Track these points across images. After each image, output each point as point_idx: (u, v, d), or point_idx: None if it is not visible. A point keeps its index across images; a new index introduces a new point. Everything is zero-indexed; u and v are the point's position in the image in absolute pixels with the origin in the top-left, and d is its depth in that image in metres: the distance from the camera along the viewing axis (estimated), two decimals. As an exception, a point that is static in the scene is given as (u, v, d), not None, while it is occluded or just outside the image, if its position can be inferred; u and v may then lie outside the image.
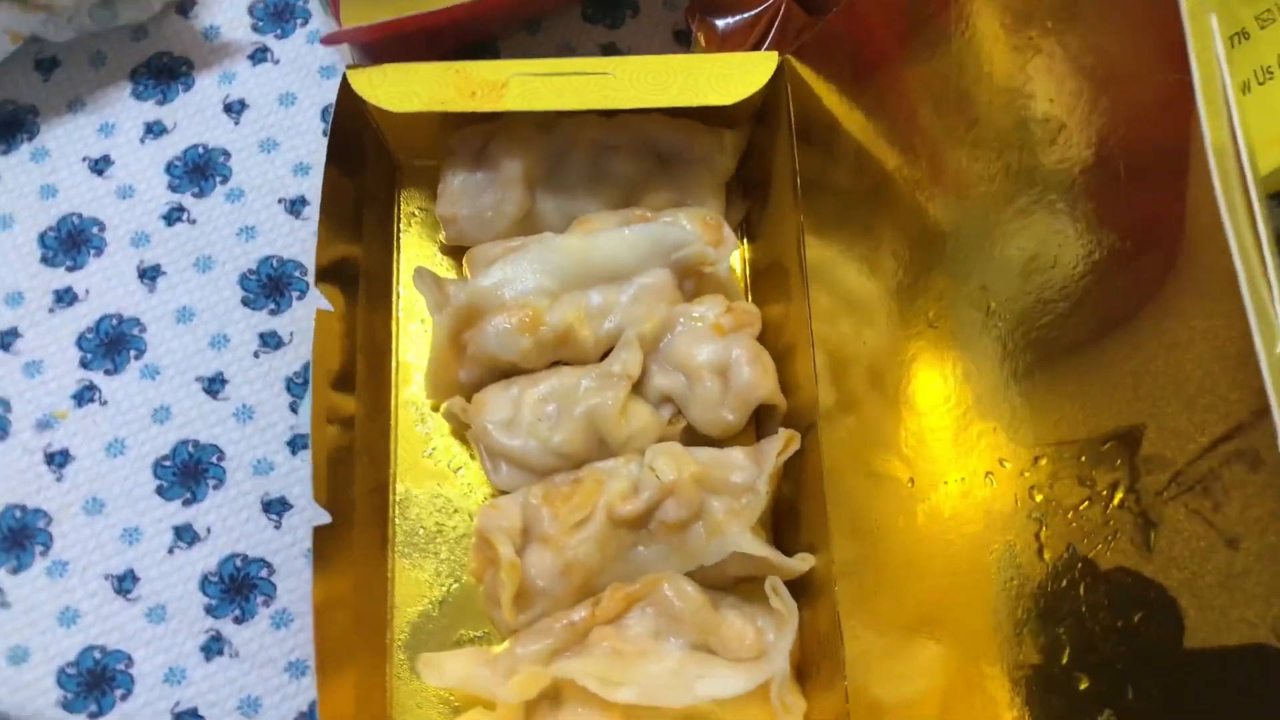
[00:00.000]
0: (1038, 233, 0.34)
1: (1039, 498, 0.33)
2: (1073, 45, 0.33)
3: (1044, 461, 0.33)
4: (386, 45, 0.48)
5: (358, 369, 0.46)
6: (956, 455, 0.37)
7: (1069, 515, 0.32)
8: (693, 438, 0.46)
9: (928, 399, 0.38)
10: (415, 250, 0.52)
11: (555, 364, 0.47)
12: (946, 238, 0.38)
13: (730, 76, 0.46)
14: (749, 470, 0.44)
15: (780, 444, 0.44)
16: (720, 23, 0.52)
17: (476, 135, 0.49)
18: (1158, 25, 0.28)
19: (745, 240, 0.53)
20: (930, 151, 0.39)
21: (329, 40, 0.49)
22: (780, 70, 0.47)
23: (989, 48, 0.36)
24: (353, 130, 0.47)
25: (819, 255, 0.45)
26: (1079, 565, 0.31)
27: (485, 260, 0.48)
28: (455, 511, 0.49)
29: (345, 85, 0.46)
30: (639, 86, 0.46)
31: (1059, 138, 0.33)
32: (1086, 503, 0.31)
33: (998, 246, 0.36)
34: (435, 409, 0.49)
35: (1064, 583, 0.32)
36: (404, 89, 0.46)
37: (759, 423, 0.49)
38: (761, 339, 0.47)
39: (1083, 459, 0.31)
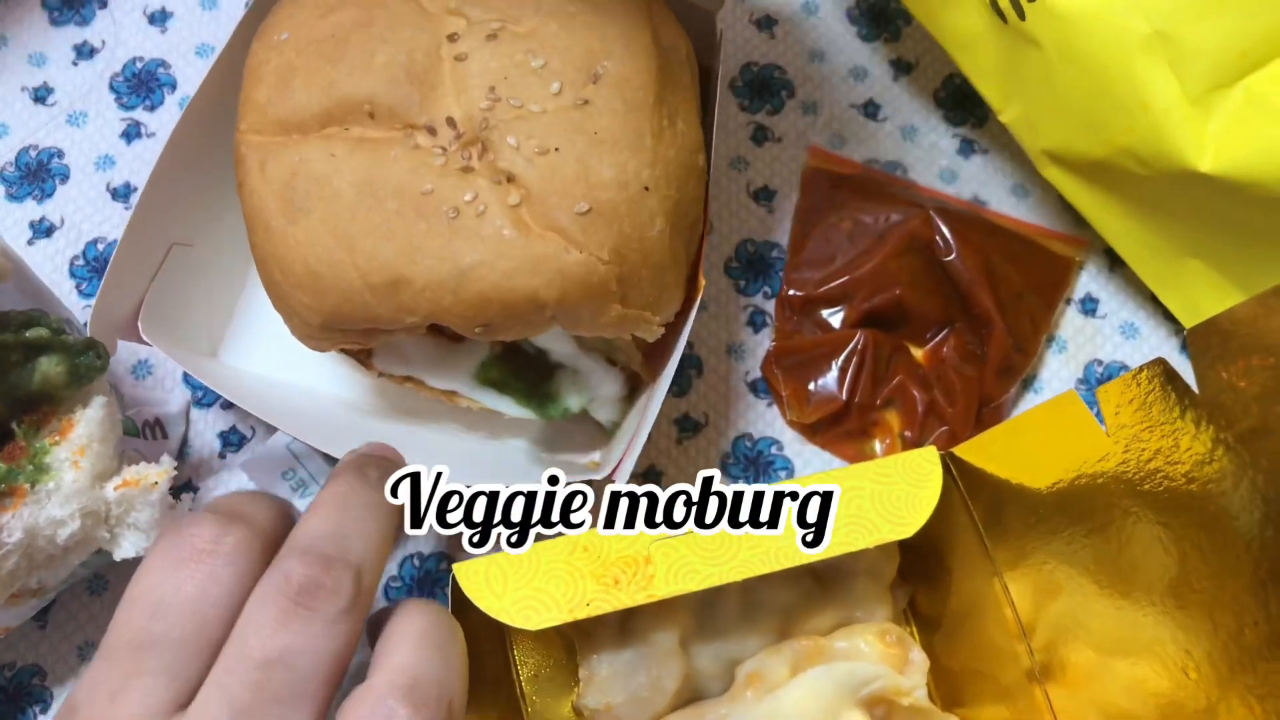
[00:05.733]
0: None
1: None
2: None
3: None
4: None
5: None
6: None
7: None
8: None
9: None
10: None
11: None
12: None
13: (897, 496, 0.40)
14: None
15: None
16: (812, 386, 0.49)
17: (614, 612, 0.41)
18: None
19: (915, 629, 0.46)
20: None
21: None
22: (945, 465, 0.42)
23: None
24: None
25: (1051, 615, 0.40)
26: None
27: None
28: None
29: (455, 585, 0.38)
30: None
31: None
32: None
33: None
34: None
35: None
36: (527, 589, 0.38)
37: None
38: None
39: None
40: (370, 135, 0.40)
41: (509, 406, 0.44)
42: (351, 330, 0.40)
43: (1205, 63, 0.41)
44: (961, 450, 0.42)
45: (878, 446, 0.48)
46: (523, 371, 0.44)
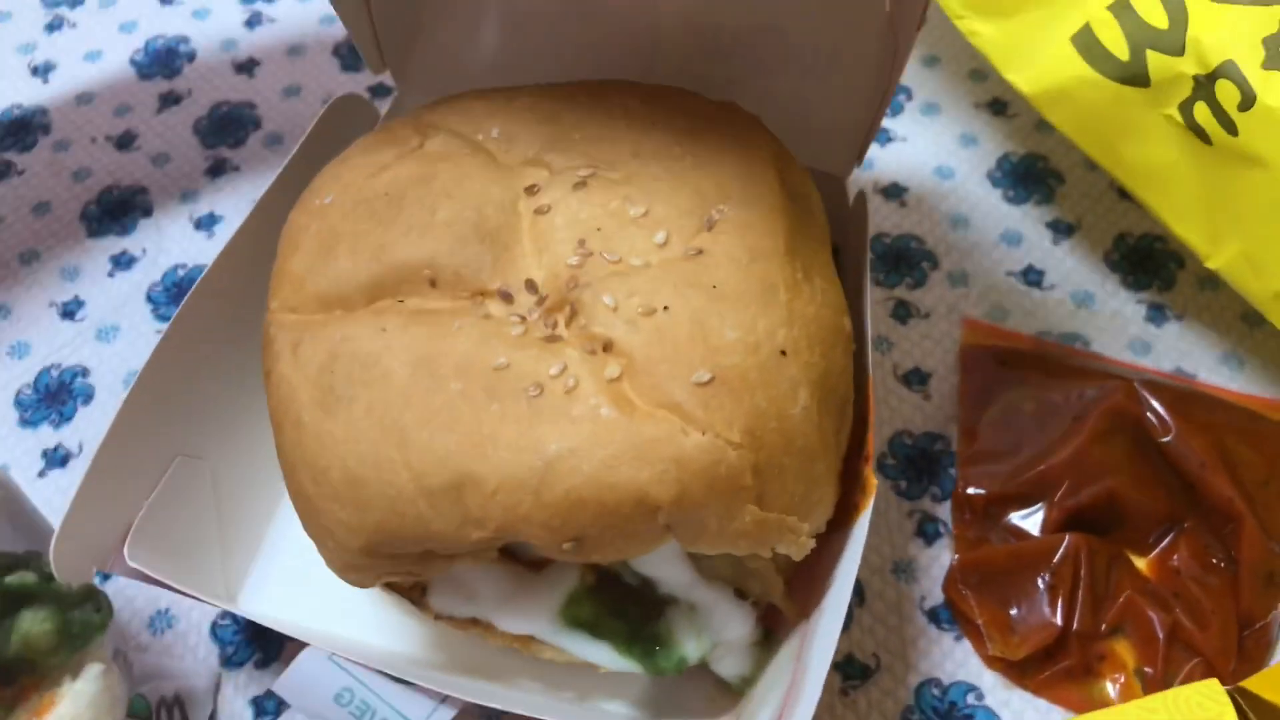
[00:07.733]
0: None
1: None
2: None
3: None
4: None
5: None
6: None
7: None
8: None
9: None
10: None
11: None
12: None
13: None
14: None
15: None
16: (1015, 610, 0.38)
17: None
18: None
19: None
20: None
21: None
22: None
23: None
24: None
25: None
26: None
27: None
28: None
29: None
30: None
31: None
32: None
33: None
34: None
35: None
36: None
37: None
38: None
39: None
40: (430, 306, 0.31)
41: (605, 656, 0.33)
42: (403, 555, 0.31)
43: None
44: (1257, 684, 0.30)
45: (1110, 689, 0.36)
46: (623, 608, 0.34)
